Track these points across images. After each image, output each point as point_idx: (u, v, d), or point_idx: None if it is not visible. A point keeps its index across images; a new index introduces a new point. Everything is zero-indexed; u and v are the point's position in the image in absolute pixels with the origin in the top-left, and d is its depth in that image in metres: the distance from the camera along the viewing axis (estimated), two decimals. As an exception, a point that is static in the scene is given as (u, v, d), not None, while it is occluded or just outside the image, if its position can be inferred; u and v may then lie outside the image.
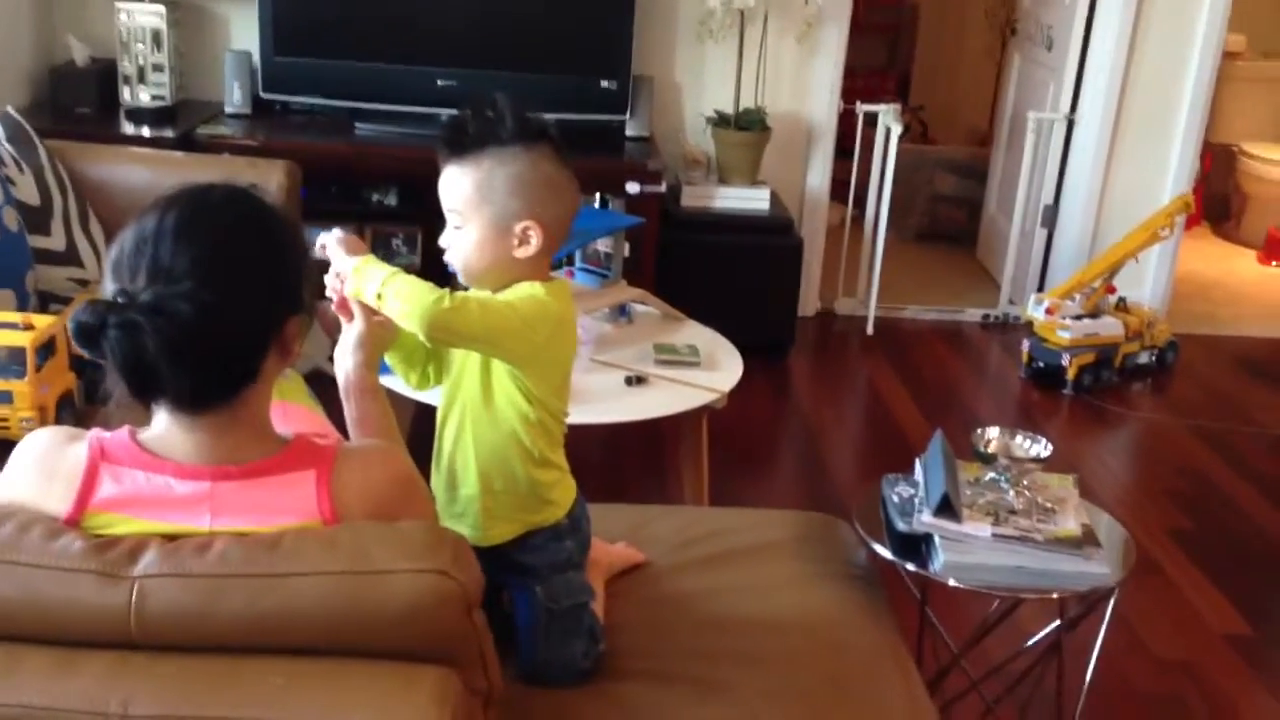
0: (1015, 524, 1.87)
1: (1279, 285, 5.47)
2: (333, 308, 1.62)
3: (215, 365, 1.27)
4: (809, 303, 4.59)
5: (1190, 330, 4.58)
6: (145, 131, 3.87)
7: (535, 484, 1.70)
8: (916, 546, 1.91)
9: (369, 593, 1.28)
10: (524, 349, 1.61)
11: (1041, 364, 4.09)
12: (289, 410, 1.91)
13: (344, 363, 1.64)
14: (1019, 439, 2.01)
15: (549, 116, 4.21)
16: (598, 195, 3.97)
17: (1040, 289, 4.76)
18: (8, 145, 2.94)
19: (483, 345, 1.60)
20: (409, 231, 3.99)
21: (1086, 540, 1.86)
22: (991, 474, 1.98)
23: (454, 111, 1.65)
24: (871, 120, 4.53)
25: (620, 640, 1.79)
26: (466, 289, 1.65)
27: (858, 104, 4.50)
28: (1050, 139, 4.63)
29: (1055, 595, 1.84)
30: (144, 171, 3.26)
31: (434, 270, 3.90)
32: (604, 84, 4.08)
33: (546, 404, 1.67)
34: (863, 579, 1.98)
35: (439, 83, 4.05)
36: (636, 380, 2.72)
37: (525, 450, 1.67)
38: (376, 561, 1.29)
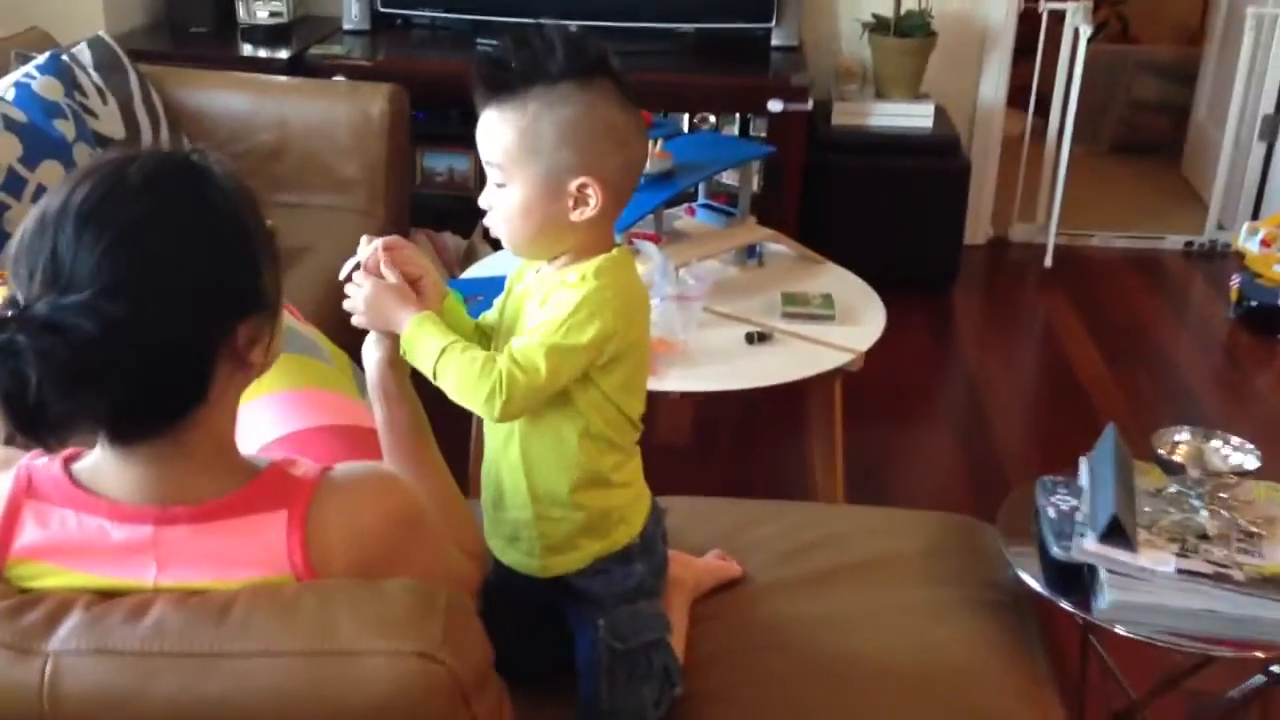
0: (1208, 555, 1.47)
1: None
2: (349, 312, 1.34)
3: (138, 392, 1.00)
4: (979, 229, 4.10)
5: None
6: (260, 53, 3.66)
7: (603, 510, 1.40)
8: (1078, 574, 1.53)
9: (333, 680, 1.01)
10: (586, 359, 1.31)
11: (1254, 303, 3.54)
12: (328, 400, 1.64)
13: (369, 358, 1.37)
14: (1216, 443, 1.59)
15: (688, 26, 3.76)
16: (737, 116, 3.59)
17: (1255, 214, 4.15)
18: (94, 73, 2.75)
19: (555, 392, 1.32)
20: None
21: (1306, 581, 1.44)
22: (1179, 485, 1.57)
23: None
24: (1058, 19, 3.97)
25: (703, 681, 1.49)
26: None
27: (1041, 1, 3.95)
28: (1273, 36, 3.98)
29: (1259, 654, 1.44)
30: (244, 98, 3.05)
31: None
32: (745, -13, 3.67)
33: (617, 404, 1.37)
34: (1010, 608, 1.61)
35: (565, -9, 3.70)
36: (759, 337, 2.36)
37: (589, 473, 1.37)
38: (343, 638, 1.01)
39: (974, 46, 3.92)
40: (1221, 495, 1.54)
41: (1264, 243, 3.47)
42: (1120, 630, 1.46)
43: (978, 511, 2.56)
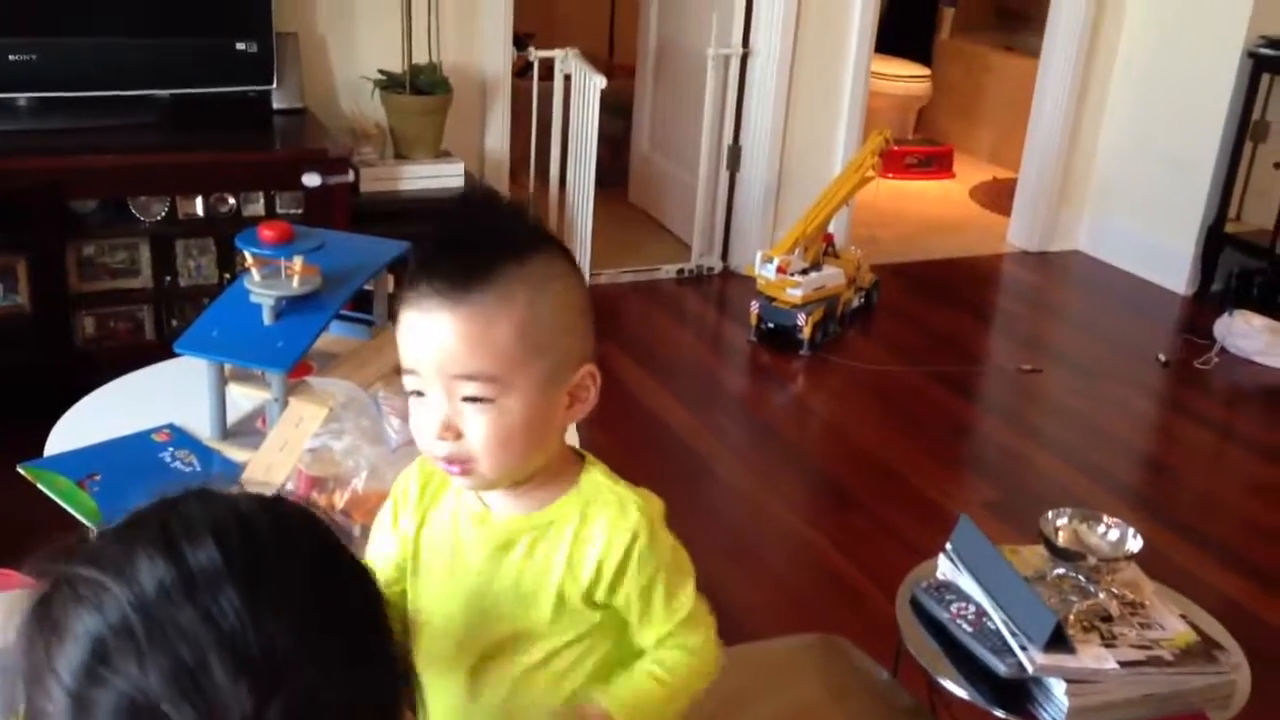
0: (1126, 640, 1.51)
1: (910, 199, 5.59)
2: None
3: None
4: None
5: (872, 262, 4.48)
6: None
7: None
8: (1001, 684, 1.50)
9: None
10: None
11: (771, 325, 3.81)
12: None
13: None
14: (1089, 525, 1.64)
15: (163, 93, 3.42)
16: (261, 197, 3.14)
17: (726, 237, 4.49)
18: None
19: None
20: (4, 262, 2.93)
21: (1207, 642, 1.54)
22: (1061, 569, 1.60)
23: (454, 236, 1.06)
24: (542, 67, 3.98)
25: None
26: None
27: (531, 50, 3.93)
28: (727, 75, 4.30)
29: (1210, 727, 1.50)
30: None
31: (53, 311, 2.90)
32: (239, 45, 3.21)
33: None
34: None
35: (10, 58, 2.99)
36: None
37: None
38: None
39: (476, 98, 3.78)
40: (1108, 576, 1.59)
41: (779, 270, 3.75)
42: (1084, 737, 1.46)
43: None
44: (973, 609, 1.56)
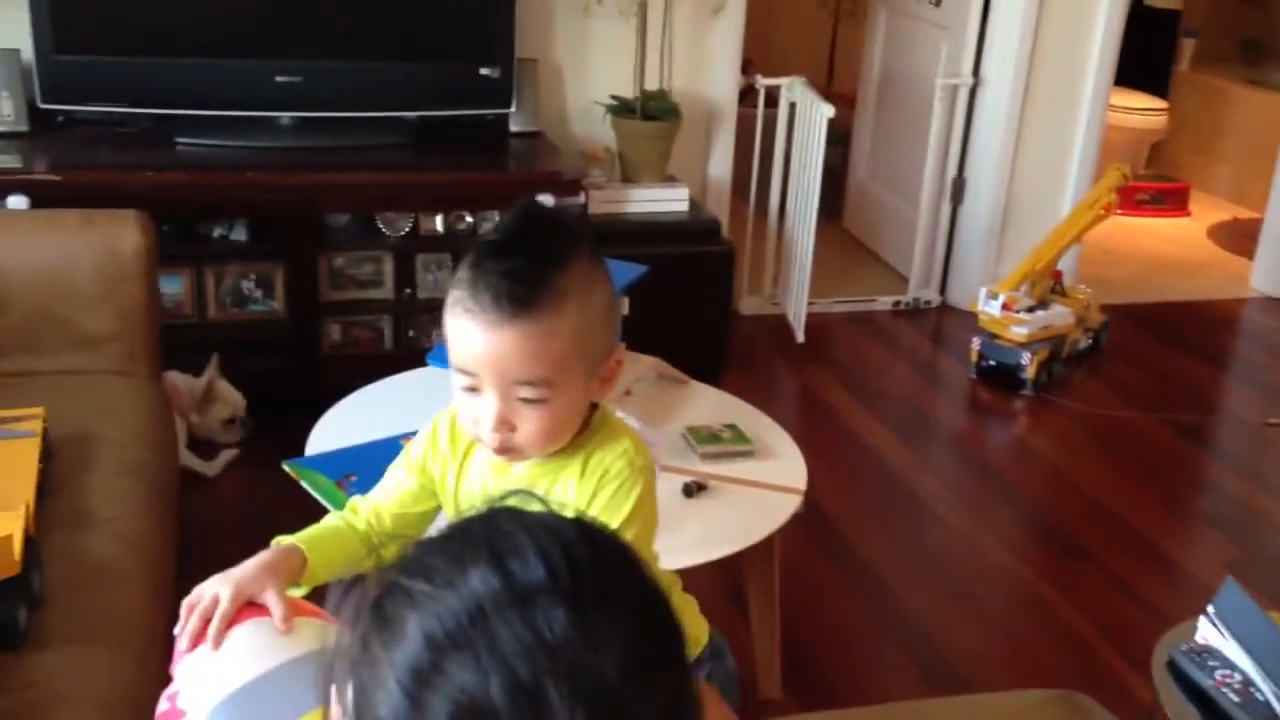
0: None
1: (1141, 236, 5.37)
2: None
3: None
4: (718, 308, 4.02)
5: (1101, 302, 4.31)
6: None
7: None
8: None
9: None
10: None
11: (992, 362, 3.71)
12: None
13: None
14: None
15: (412, 115, 3.53)
16: (496, 215, 3.25)
17: (945, 270, 4.40)
18: None
19: None
20: (264, 270, 3.12)
21: None
22: (1337, 642, 1.50)
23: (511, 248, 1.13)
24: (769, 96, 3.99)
25: None
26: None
27: (757, 78, 3.95)
28: (954, 105, 4.22)
29: None
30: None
31: (303, 310, 2.94)
32: (483, 71, 3.33)
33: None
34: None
35: (278, 79, 3.19)
36: (697, 488, 2.10)
37: None
38: None
39: (701, 124, 3.83)
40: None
41: (1005, 306, 3.65)
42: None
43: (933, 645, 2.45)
44: (1239, 678, 1.48)
